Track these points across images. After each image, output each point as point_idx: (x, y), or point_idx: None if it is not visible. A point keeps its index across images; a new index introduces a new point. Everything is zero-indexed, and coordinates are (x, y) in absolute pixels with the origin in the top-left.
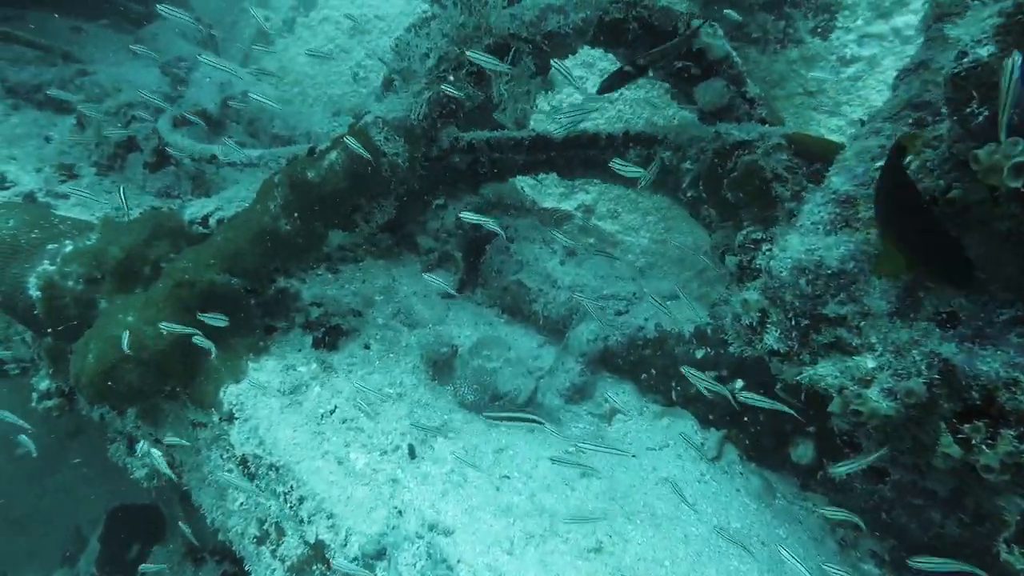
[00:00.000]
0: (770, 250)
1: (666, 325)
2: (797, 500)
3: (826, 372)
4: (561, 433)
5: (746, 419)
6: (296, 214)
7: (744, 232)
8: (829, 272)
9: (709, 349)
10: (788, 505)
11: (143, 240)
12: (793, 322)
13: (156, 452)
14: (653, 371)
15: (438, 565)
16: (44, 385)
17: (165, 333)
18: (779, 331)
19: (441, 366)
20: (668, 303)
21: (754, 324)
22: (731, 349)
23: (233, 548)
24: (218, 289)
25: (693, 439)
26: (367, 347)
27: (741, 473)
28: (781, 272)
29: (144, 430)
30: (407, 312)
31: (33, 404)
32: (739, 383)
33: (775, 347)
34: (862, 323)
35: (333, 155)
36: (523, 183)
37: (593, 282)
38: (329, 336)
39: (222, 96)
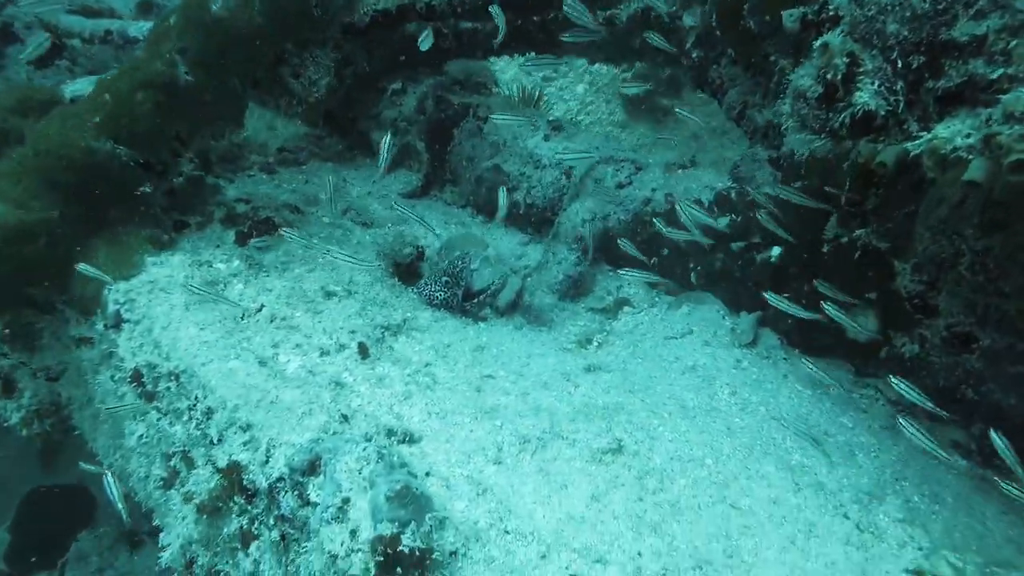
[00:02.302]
0: None
1: (679, 194)
2: (856, 387)
3: (952, 131)
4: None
5: (787, 294)
6: (199, 60)
7: None
8: None
9: (735, 215)
10: (846, 394)
11: (4, 113)
12: (900, 63)
13: None
14: (665, 251)
15: (395, 469)
16: None
17: (19, 213)
18: (877, 82)
19: (404, 271)
20: (679, 172)
21: (837, 79)
22: (790, 142)
23: (139, 500)
24: (99, 160)
25: (723, 323)
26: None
27: (785, 358)
28: None
29: (15, 358)
30: (360, 211)
31: None
32: (775, 251)
33: (872, 106)
34: (1014, 42)
35: None
36: None
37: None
38: (257, 231)
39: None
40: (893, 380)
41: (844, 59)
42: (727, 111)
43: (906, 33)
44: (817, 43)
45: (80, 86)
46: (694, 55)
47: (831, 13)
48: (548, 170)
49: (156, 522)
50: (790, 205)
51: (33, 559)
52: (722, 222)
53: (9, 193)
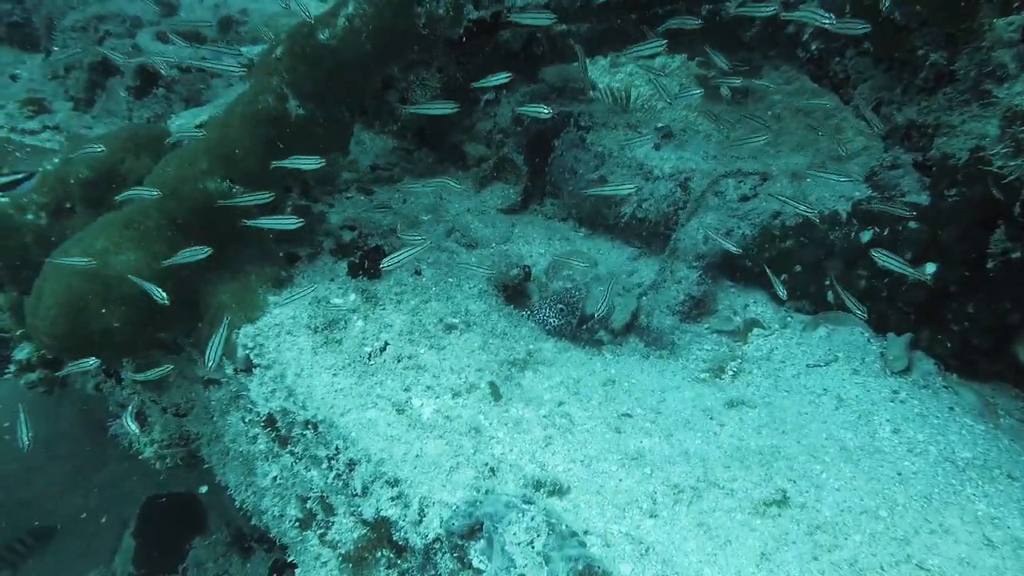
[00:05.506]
0: None
1: (813, 204)
2: None
3: None
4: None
5: (947, 314)
6: (310, 93)
7: None
8: None
9: (877, 228)
10: (1021, 424)
11: (118, 155)
12: None
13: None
14: (798, 268)
15: (566, 540)
16: (23, 354)
17: (150, 260)
18: None
19: (512, 292)
20: (808, 180)
21: None
22: (942, 144)
23: (272, 535)
24: (216, 200)
25: (869, 347)
26: (418, 272)
27: (946, 387)
28: None
29: (144, 396)
30: (463, 231)
31: (9, 376)
32: (930, 267)
33: None
34: None
35: (351, 7)
36: None
37: (704, 165)
38: (369, 261)
39: (217, 17)
40: None
41: None
42: (859, 104)
43: None
44: None
45: (184, 120)
46: (812, 47)
47: None
48: (662, 182)
49: (290, 558)
50: (946, 214)
51: (157, 563)
52: (928, 268)
53: (136, 240)
